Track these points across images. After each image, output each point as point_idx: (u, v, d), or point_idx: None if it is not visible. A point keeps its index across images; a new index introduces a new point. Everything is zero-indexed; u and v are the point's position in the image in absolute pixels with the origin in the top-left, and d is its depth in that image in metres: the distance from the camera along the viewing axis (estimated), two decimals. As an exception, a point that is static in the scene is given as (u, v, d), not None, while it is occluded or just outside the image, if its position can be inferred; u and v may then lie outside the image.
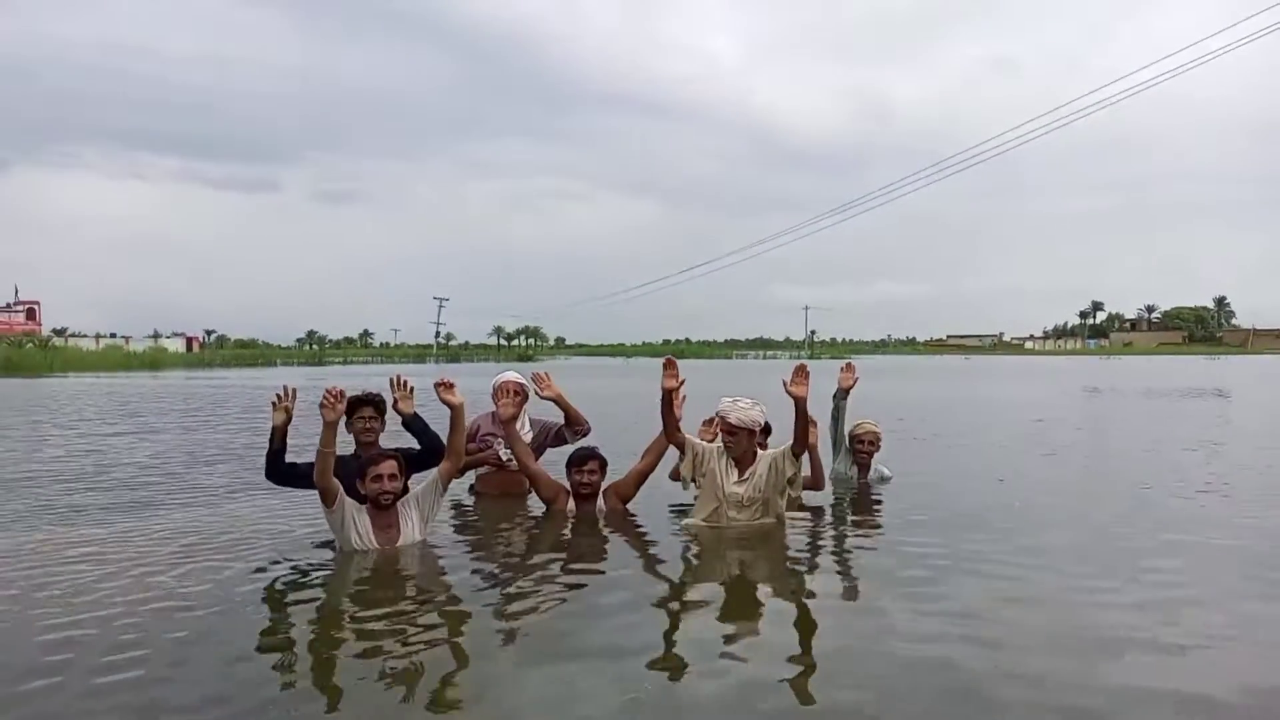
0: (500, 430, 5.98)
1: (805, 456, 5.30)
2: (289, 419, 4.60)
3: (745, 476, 5.21)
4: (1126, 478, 7.77)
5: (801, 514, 5.79)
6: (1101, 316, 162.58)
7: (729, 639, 3.47)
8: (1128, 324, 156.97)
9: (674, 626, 3.70)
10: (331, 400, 4.27)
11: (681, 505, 5.76)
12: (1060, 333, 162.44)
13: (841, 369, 6.47)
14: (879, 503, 6.27)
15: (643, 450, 5.69)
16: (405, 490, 4.67)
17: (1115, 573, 4.40)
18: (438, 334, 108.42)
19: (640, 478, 5.63)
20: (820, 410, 6.06)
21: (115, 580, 4.19)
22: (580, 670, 3.10)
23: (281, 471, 4.71)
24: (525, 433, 6.08)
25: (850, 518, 5.89)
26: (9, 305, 74.61)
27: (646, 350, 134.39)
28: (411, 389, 4.97)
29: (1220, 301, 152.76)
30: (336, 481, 4.40)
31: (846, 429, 6.68)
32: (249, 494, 6.55)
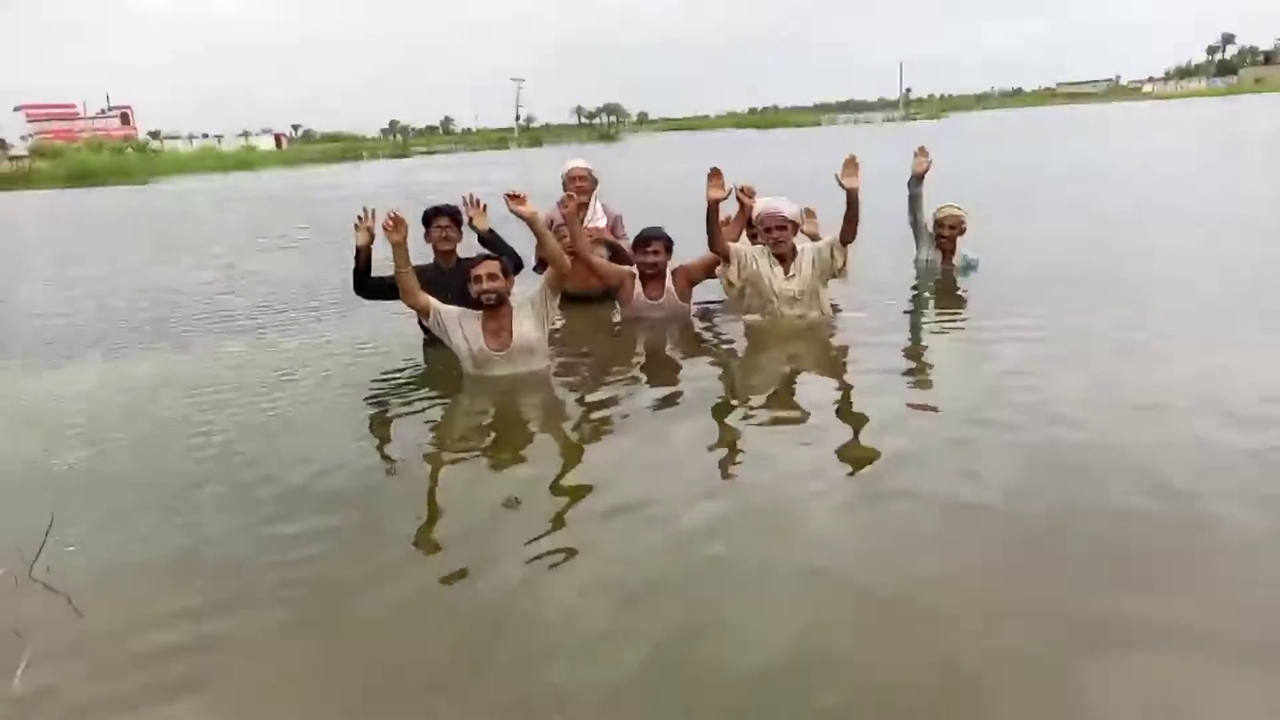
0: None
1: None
2: (372, 239, 4.95)
3: (791, 273, 5.43)
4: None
5: (887, 299, 6.03)
6: (1232, 51, 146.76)
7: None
8: (1261, 58, 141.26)
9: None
10: (393, 223, 4.43)
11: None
12: (1184, 72, 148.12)
13: (915, 153, 6.32)
14: (962, 296, 6.21)
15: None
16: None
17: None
18: (518, 118, 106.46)
19: (709, 265, 5.74)
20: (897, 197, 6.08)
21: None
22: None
23: (369, 287, 5.14)
24: (599, 219, 6.27)
25: (931, 309, 6.01)
26: (103, 112, 76.10)
27: (730, 120, 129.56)
28: (484, 206, 5.26)
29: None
30: (425, 294, 4.66)
31: (928, 213, 6.56)
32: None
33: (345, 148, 77.33)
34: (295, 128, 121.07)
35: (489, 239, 5.27)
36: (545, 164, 36.29)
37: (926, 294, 6.27)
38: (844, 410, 4.18)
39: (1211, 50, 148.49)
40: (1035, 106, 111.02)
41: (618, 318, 5.88)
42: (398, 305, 4.99)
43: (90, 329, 6.97)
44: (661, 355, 5.32)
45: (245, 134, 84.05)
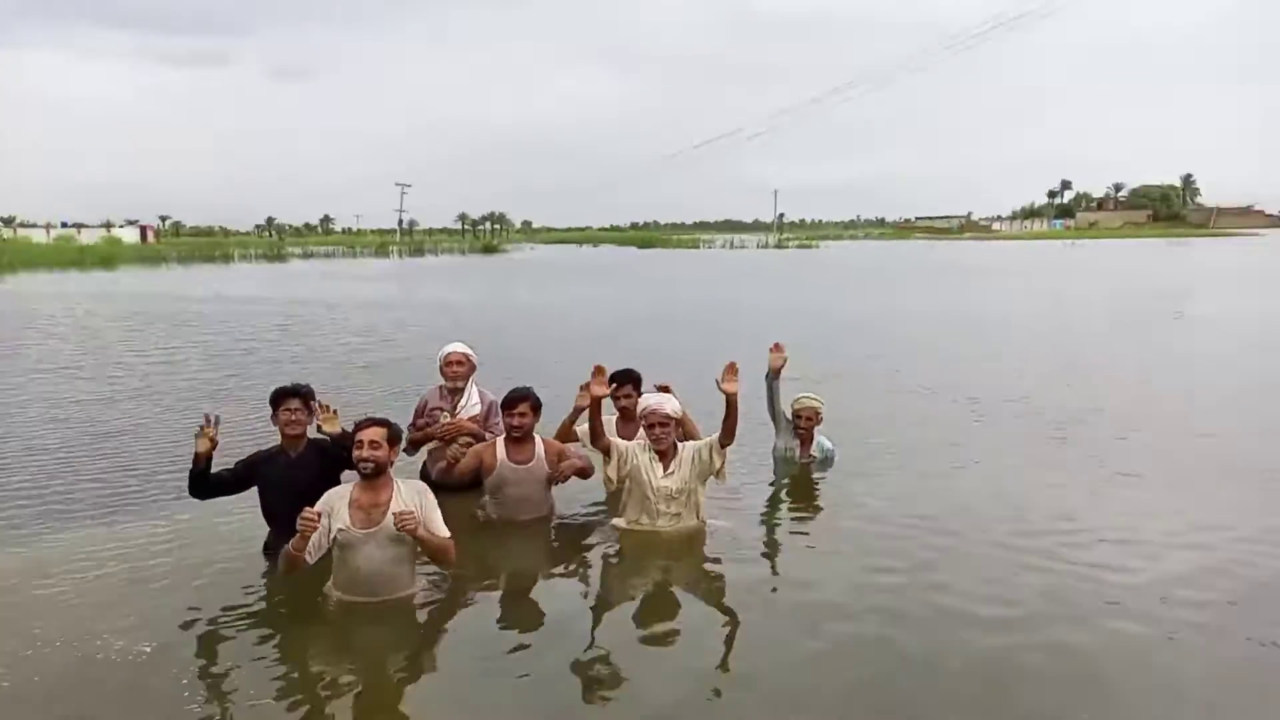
0: (449, 403, 6.00)
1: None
2: (214, 446, 4.55)
3: (671, 470, 5.32)
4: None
5: (738, 502, 5.93)
6: (1070, 195, 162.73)
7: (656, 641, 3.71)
8: (1094, 204, 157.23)
9: (598, 640, 3.95)
10: (309, 523, 3.98)
11: (598, 504, 5.87)
12: (1028, 213, 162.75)
13: (770, 349, 6.47)
14: (817, 490, 6.35)
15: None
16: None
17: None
18: (400, 222, 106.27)
19: (570, 458, 5.51)
20: (754, 390, 6.13)
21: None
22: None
23: (207, 488, 4.69)
24: (473, 404, 6.05)
25: (788, 511, 6.06)
26: (-49, 196, 71.65)
27: (613, 235, 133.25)
28: (336, 411, 4.89)
29: (1186, 179, 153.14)
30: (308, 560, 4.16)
31: (785, 406, 6.74)
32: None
33: (215, 244, 74.81)
34: (163, 219, 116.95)
35: (342, 445, 4.81)
36: (427, 280, 36.32)
37: (785, 494, 6.30)
38: (709, 627, 4.19)
39: (1052, 194, 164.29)
40: (898, 239, 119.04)
41: (481, 513, 5.55)
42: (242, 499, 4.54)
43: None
44: (530, 568, 5.04)
45: (108, 225, 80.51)
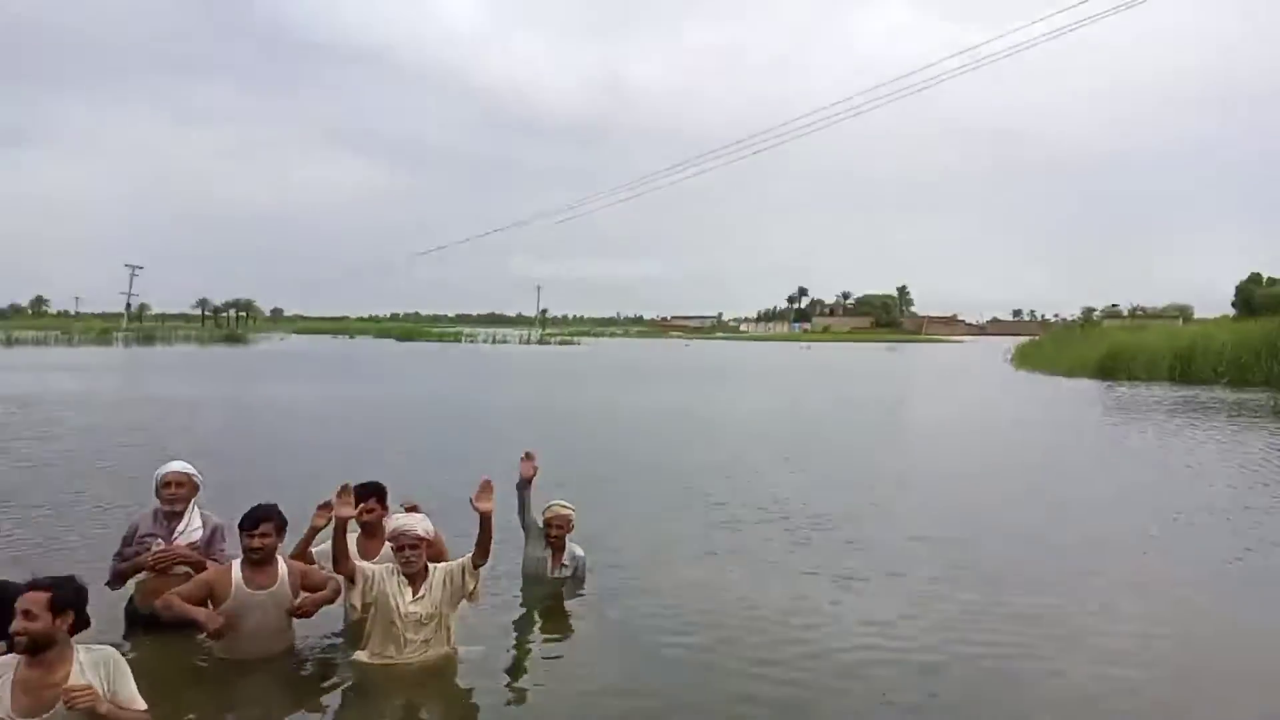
0: (164, 529, 5.36)
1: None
2: None
3: (420, 594, 5.08)
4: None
5: (489, 623, 5.76)
6: (806, 301, 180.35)
7: None
8: (827, 309, 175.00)
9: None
10: None
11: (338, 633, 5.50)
12: (771, 316, 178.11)
13: (522, 458, 6.46)
14: (569, 604, 6.32)
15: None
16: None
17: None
18: (129, 305, 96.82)
19: (316, 580, 5.17)
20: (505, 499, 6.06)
21: None
22: None
23: None
24: (194, 529, 5.44)
25: (540, 631, 5.93)
26: None
27: (372, 325, 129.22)
28: None
29: (901, 290, 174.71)
30: None
31: (537, 514, 6.71)
32: None
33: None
34: None
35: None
36: (153, 374, 32.76)
37: (537, 612, 6.20)
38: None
39: (791, 299, 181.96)
40: (655, 337, 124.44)
41: (204, 659, 5.00)
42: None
43: None
44: (261, 716, 4.56)
45: None
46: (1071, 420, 19.33)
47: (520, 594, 6.42)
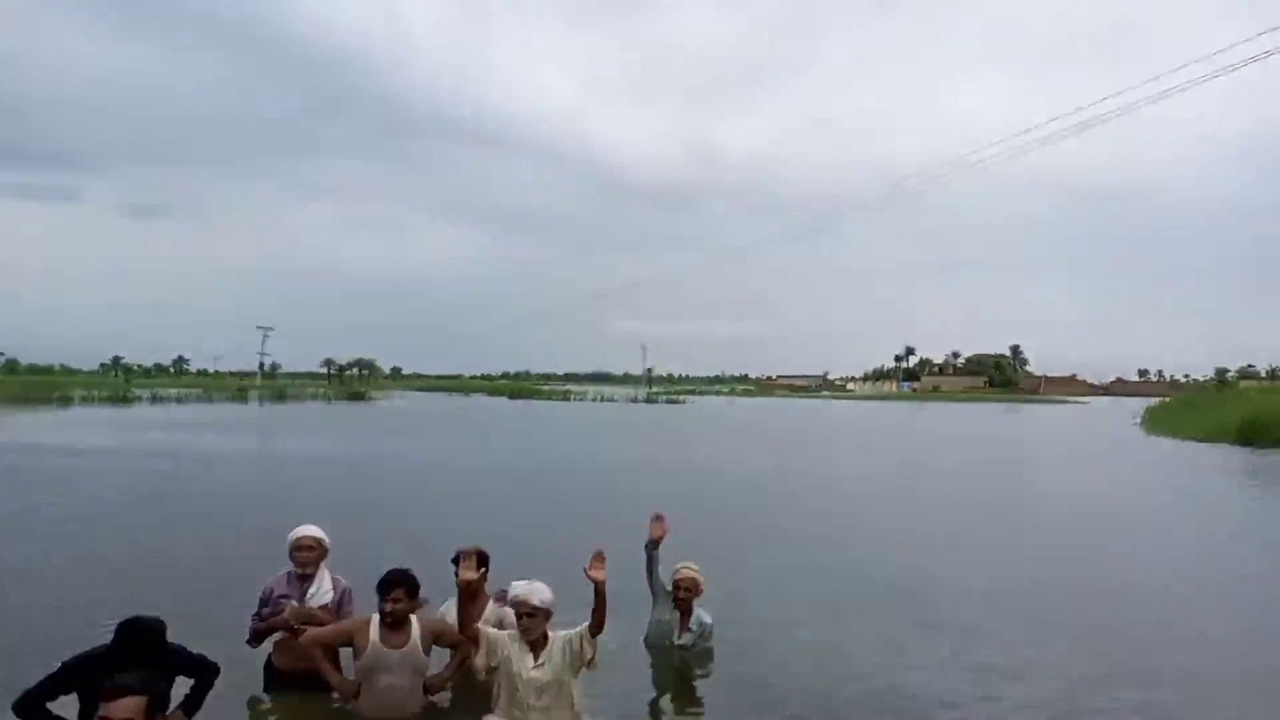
0: (297, 591, 5.63)
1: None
2: None
3: (541, 661, 5.17)
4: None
5: (613, 689, 5.78)
6: (914, 360, 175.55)
7: None
8: (936, 368, 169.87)
9: None
10: None
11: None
12: (879, 375, 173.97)
13: (652, 519, 6.49)
14: (695, 671, 6.27)
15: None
16: None
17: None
18: (261, 365, 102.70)
19: (452, 635, 5.34)
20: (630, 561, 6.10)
21: None
22: None
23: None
24: (325, 592, 5.68)
25: (670, 700, 5.91)
26: None
27: (485, 384, 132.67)
28: None
29: (1014, 349, 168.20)
30: None
31: (664, 575, 6.63)
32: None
33: (52, 383, 69.81)
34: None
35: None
36: (288, 432, 34.35)
37: (663, 676, 6.19)
38: None
39: (898, 358, 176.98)
40: (762, 396, 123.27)
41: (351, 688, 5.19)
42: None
43: None
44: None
45: (-69, 361, 74.18)
46: (1229, 495, 17.90)
47: (646, 657, 6.41)
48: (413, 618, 5.27)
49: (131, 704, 3.42)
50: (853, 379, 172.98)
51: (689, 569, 6.71)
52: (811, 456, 26.30)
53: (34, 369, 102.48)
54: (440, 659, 5.45)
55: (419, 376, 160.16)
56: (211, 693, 4.69)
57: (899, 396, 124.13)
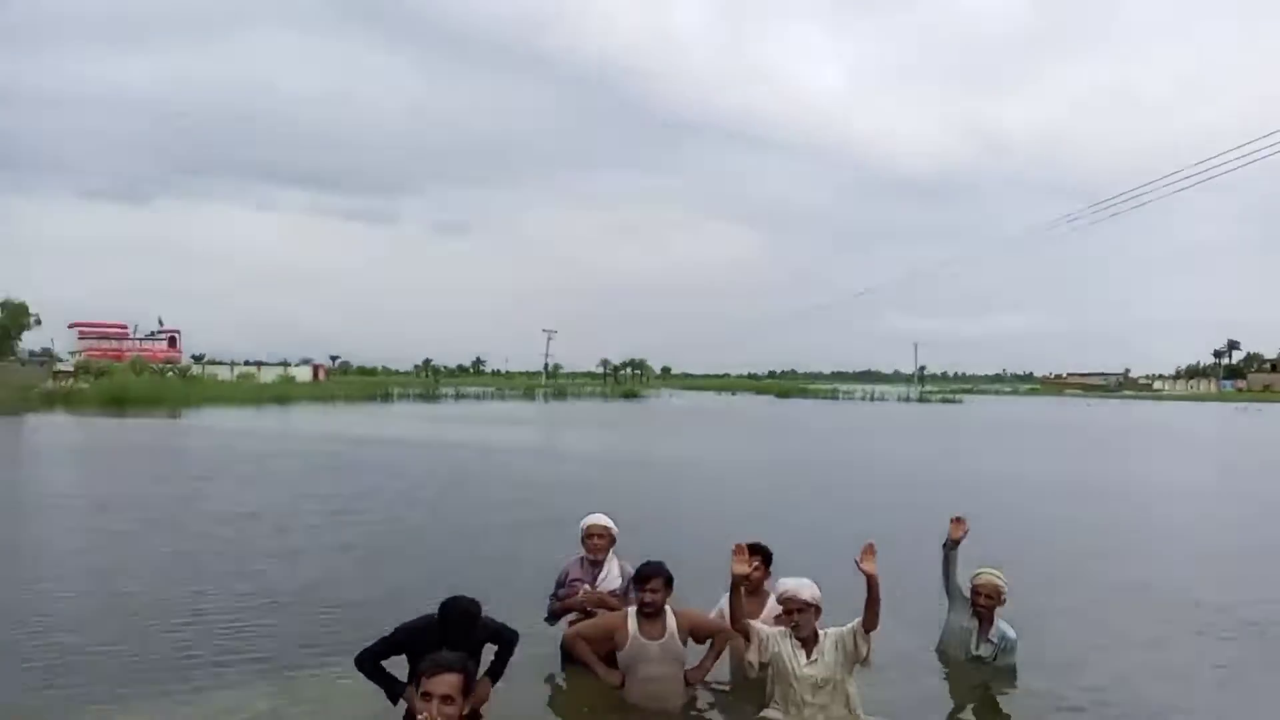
0: (589, 576, 6.00)
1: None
2: None
3: (814, 657, 5.17)
4: None
5: (895, 693, 5.63)
6: (1239, 356, 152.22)
7: None
8: (1268, 365, 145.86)
9: None
10: None
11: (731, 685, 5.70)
12: (1193, 372, 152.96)
13: (951, 520, 6.21)
14: (993, 686, 5.90)
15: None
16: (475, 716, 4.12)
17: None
18: (546, 365, 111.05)
19: (715, 627, 5.46)
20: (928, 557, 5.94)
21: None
22: None
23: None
24: (613, 578, 6.02)
25: (971, 713, 5.67)
26: (153, 333, 79.08)
27: (751, 383, 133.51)
28: None
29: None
30: None
31: (963, 578, 6.28)
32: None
33: (377, 383, 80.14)
34: (334, 359, 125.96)
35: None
36: (568, 424, 37.23)
37: (957, 688, 5.89)
38: None
39: (1218, 354, 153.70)
40: (1049, 396, 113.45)
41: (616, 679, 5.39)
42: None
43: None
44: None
45: (285, 363, 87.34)
46: None
47: (937, 666, 6.15)
48: (668, 608, 5.30)
49: (450, 680, 3.73)
50: (1160, 377, 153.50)
51: (991, 574, 6.22)
52: (1114, 466, 23.82)
53: (362, 370, 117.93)
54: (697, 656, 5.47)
55: (687, 376, 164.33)
56: (513, 660, 5.01)
57: (1220, 397, 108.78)
